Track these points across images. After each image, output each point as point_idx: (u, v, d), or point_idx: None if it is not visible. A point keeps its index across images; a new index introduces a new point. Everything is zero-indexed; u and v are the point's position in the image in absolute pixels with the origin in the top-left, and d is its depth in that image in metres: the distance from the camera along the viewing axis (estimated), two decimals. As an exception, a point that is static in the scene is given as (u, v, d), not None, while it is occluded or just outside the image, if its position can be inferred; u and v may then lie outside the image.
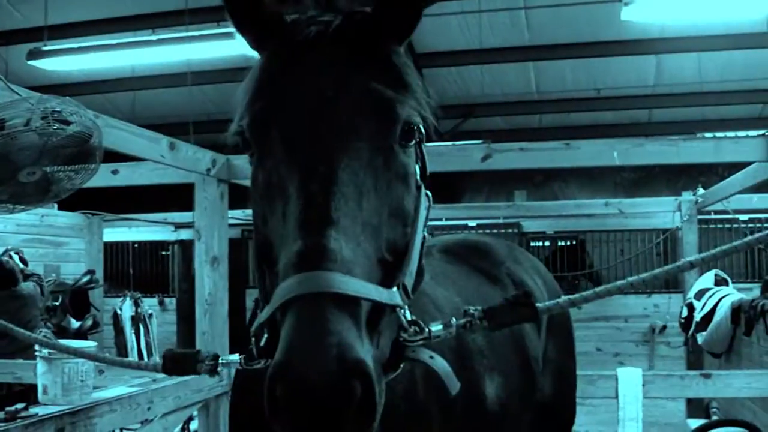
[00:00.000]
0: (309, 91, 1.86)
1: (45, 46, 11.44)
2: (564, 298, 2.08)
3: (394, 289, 1.77)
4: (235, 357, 2.00)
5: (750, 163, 6.95)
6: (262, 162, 1.92)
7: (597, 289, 2.03)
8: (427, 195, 2.06)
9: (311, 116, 1.83)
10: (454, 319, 1.92)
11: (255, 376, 2.06)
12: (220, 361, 2.11)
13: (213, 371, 2.15)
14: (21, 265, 10.31)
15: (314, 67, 1.89)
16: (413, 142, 1.96)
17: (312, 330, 1.53)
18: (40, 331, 6.96)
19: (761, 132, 14.02)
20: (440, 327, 1.89)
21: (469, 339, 2.87)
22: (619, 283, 2.02)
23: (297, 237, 1.69)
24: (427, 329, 1.86)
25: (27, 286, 9.92)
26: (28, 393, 6.86)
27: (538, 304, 1.98)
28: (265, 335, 1.86)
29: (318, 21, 1.95)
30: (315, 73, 1.88)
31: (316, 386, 1.47)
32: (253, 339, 1.89)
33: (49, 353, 4.70)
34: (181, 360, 2.20)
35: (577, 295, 2.05)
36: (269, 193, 1.87)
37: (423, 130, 2.01)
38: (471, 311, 1.94)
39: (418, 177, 2.01)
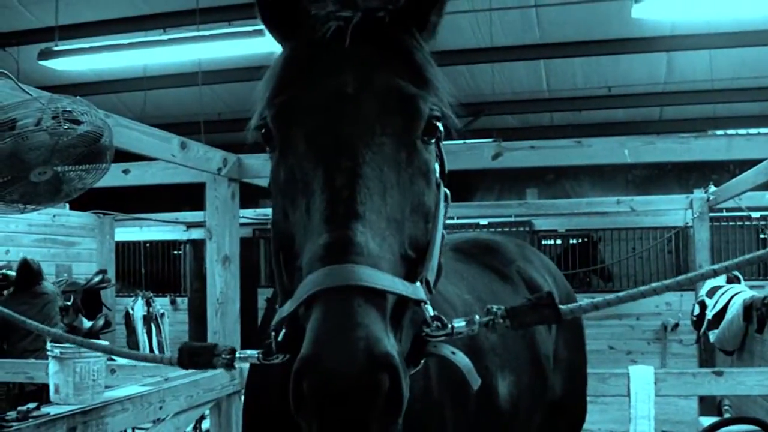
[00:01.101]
0: (331, 86, 1.85)
1: (56, 46, 11.48)
2: (587, 301, 2.06)
3: (418, 284, 1.77)
4: (253, 352, 1.98)
5: (762, 160, 6.92)
6: (284, 156, 1.91)
7: (620, 294, 2.00)
8: (445, 193, 2.06)
9: (334, 111, 1.83)
10: (477, 317, 1.90)
11: (269, 374, 2.05)
12: (237, 355, 2.08)
13: (230, 365, 2.10)
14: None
15: (336, 62, 1.89)
16: (434, 138, 1.97)
17: (340, 323, 1.52)
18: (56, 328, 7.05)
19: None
20: (463, 324, 1.87)
21: (482, 336, 2.86)
22: (642, 288, 1.99)
23: (323, 231, 1.68)
24: (449, 325, 1.84)
25: (48, 285, 10.01)
26: (40, 393, 6.90)
27: (561, 307, 1.96)
28: (283, 330, 1.84)
29: (338, 16, 1.94)
30: (337, 68, 1.88)
31: (345, 380, 1.46)
32: (272, 333, 1.87)
33: (61, 353, 4.71)
34: (198, 353, 2.18)
35: (600, 299, 2.02)
36: (291, 188, 1.87)
37: (442, 128, 2.01)
38: (494, 310, 1.92)
39: (438, 174, 2.01)
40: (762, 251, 2.01)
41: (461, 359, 1.89)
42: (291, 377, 1.52)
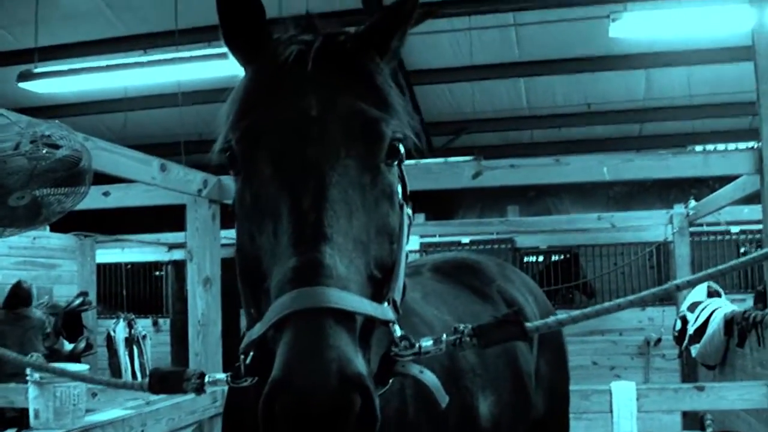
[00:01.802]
0: (295, 109, 1.86)
1: (36, 68, 11.44)
2: (552, 318, 2.09)
3: (386, 304, 1.78)
4: (222, 375, 1.99)
5: (739, 176, 6.97)
6: (250, 179, 1.92)
7: (586, 310, 2.03)
8: (408, 215, 2.08)
9: (299, 134, 1.83)
10: (444, 335, 1.92)
11: (247, 395, 2.05)
12: (206, 379, 2.08)
13: (199, 390, 2.11)
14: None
15: (299, 85, 1.90)
16: (397, 160, 1.98)
17: (311, 345, 1.52)
18: (31, 355, 6.94)
19: (751, 144, 14.08)
20: (431, 342, 1.89)
21: (462, 358, 2.86)
22: (607, 304, 2.02)
23: (291, 254, 1.69)
24: (417, 344, 1.86)
25: (36, 312, 9.92)
26: (21, 419, 6.82)
27: (527, 324, 1.98)
28: (251, 353, 1.85)
29: (300, 40, 1.97)
30: (300, 91, 1.89)
31: (318, 401, 1.46)
32: (241, 356, 1.88)
33: (41, 377, 4.68)
34: (168, 378, 2.18)
35: (564, 315, 2.05)
36: (257, 211, 1.87)
37: (403, 150, 2.02)
38: (461, 328, 1.94)
39: (400, 196, 2.03)
40: (722, 265, 2.03)
41: (429, 378, 1.91)
42: (261, 400, 1.51)
